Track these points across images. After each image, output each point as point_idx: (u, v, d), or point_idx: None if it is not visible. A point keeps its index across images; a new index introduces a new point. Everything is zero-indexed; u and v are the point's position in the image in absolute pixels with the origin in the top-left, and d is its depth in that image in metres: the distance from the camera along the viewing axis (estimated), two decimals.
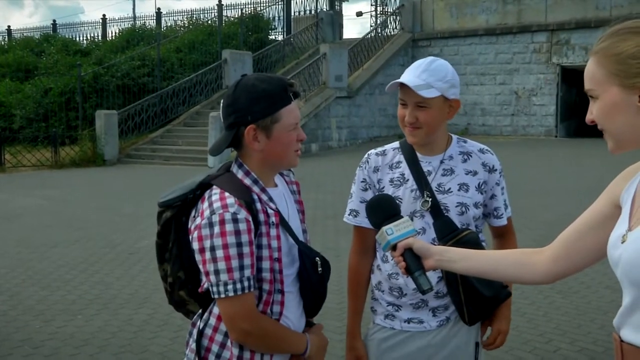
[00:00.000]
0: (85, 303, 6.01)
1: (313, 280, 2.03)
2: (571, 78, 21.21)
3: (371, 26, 24.93)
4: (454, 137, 2.43)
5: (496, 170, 2.38)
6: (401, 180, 2.34)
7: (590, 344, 4.82)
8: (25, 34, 31.28)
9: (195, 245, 1.90)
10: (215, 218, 1.85)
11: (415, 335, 2.35)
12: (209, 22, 26.12)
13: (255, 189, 1.98)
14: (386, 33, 23.84)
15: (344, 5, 27.58)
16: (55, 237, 8.94)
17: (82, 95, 20.19)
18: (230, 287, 1.85)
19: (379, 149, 2.46)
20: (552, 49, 21.34)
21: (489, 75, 22.38)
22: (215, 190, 1.93)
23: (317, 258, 2.05)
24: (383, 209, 1.93)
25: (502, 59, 22.16)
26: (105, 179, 15.95)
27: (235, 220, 1.85)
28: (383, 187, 2.37)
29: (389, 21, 24.40)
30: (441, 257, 1.81)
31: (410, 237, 1.84)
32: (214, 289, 1.87)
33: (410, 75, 2.25)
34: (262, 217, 1.94)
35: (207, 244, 1.86)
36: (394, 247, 1.84)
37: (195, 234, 1.90)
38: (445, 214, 2.29)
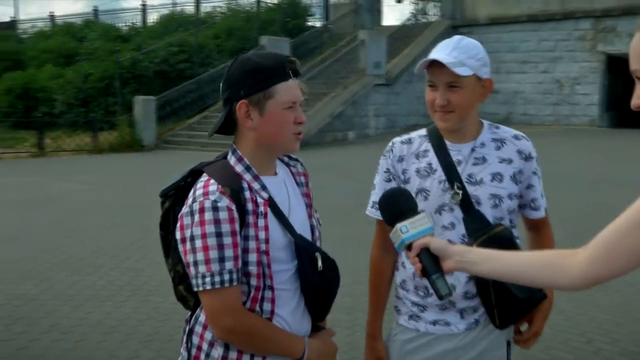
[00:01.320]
0: (115, 289, 5.99)
1: (312, 278, 1.89)
2: (617, 66, 20.59)
3: (411, 12, 24.60)
4: (486, 123, 2.24)
5: (532, 157, 2.20)
6: (428, 171, 2.17)
7: (634, 345, 4.60)
8: (67, 20, 31.66)
9: (178, 235, 1.80)
10: (196, 206, 1.76)
11: (440, 337, 2.19)
12: (248, 8, 26.09)
13: (247, 176, 1.85)
14: (426, 20, 23.50)
15: None
16: (89, 222, 8.98)
17: (120, 81, 20.34)
18: (207, 279, 1.74)
19: (405, 137, 2.29)
20: (597, 36, 20.79)
21: (531, 64, 21.92)
22: (203, 177, 1.84)
23: (318, 254, 1.90)
24: (397, 204, 1.76)
25: (544, 47, 21.68)
26: (142, 164, 16.03)
27: (215, 209, 1.74)
28: (409, 178, 2.20)
29: (428, 8, 24.05)
30: (462, 259, 1.63)
31: (428, 235, 1.68)
32: (194, 281, 1.77)
33: (441, 53, 2.06)
34: (250, 206, 1.81)
35: (187, 233, 1.76)
36: (409, 247, 1.68)
37: (178, 224, 1.80)
38: (477, 208, 2.12)
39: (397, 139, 2.29)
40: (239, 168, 1.86)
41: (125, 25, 28.91)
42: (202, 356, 1.88)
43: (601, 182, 11.41)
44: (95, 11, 31.74)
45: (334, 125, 18.95)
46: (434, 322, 2.19)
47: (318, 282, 1.90)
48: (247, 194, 1.82)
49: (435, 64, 2.05)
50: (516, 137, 2.21)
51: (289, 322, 1.90)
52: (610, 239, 1.46)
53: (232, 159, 1.88)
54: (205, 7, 28.39)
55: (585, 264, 1.49)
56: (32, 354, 4.60)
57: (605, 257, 1.46)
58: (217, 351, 1.85)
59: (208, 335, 1.89)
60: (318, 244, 2.02)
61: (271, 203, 1.86)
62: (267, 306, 1.85)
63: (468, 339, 2.17)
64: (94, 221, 9.03)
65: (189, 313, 2.00)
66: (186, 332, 1.97)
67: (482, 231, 2.08)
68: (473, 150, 2.16)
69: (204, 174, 1.85)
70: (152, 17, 28.89)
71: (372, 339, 2.34)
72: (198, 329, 1.91)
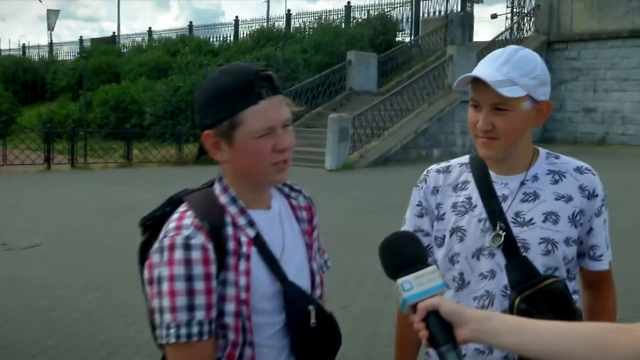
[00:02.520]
0: None
1: (303, 335, 1.58)
2: None
3: (505, 28, 23.85)
4: (542, 151, 1.89)
5: (597, 196, 1.81)
6: (467, 207, 1.83)
7: None
8: (163, 35, 32.67)
9: (146, 275, 1.52)
10: (166, 242, 1.49)
11: None
12: (336, 22, 26.10)
13: (232, 209, 1.58)
14: (520, 35, 22.71)
15: (478, 7, 26.75)
16: None
17: None
18: (172, 331, 1.45)
19: (442, 165, 1.96)
20: None
21: (632, 81, 20.66)
22: (182, 207, 1.57)
23: (311, 307, 1.59)
24: (400, 254, 1.39)
25: None
26: None
27: (187, 247, 1.47)
28: (443, 214, 1.87)
29: (523, 23, 23.27)
30: (480, 327, 1.26)
31: (437, 294, 1.33)
32: (157, 332, 1.49)
33: (488, 68, 1.72)
34: (231, 245, 1.53)
35: (155, 273, 1.49)
36: (415, 307, 1.34)
37: (147, 261, 1.53)
38: (524, 254, 1.75)
39: (433, 167, 1.97)
40: (224, 199, 1.60)
41: (217, 41, 29.55)
42: None
43: None
44: (190, 26, 32.58)
45: (418, 142, 18.55)
46: None
47: (310, 341, 1.60)
48: (230, 231, 1.55)
49: (479, 80, 1.70)
50: (579, 170, 1.84)
51: None
52: None
53: (217, 188, 1.62)
54: (296, 23, 28.64)
55: None
56: None
57: None
58: None
59: None
60: (318, 292, 1.72)
61: (257, 243, 1.57)
62: None
63: None
64: None
65: None
66: None
67: (528, 283, 1.71)
68: (523, 183, 1.82)
69: (184, 204, 1.59)
70: (244, 32, 29.36)
71: None
72: None
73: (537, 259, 1.75)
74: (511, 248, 1.75)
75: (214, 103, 1.54)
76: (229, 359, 1.55)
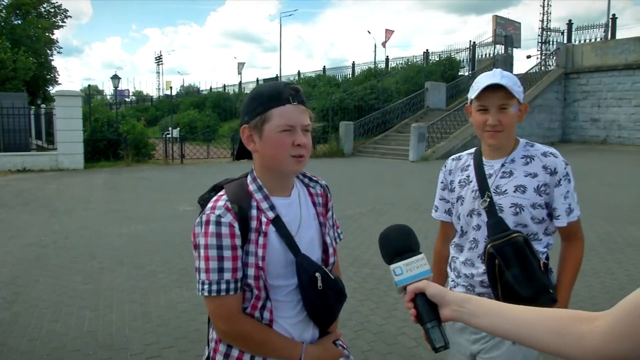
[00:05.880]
0: None
1: (312, 296, 1.37)
2: None
3: (536, 64, 22.81)
4: (522, 141, 1.76)
5: (557, 172, 1.68)
6: (466, 182, 1.79)
7: None
8: (307, 75, 33.62)
9: (192, 241, 1.36)
10: (203, 218, 1.31)
11: None
12: (418, 63, 25.94)
13: (258, 195, 1.36)
14: (545, 69, 21.70)
15: (517, 50, 25.62)
16: None
17: (332, 112, 20.89)
18: (206, 287, 1.30)
19: (457, 155, 1.89)
20: None
21: (625, 100, 19.26)
22: (221, 192, 1.38)
23: (318, 274, 1.37)
24: (393, 242, 1.12)
25: (637, 87, 18.91)
26: (343, 166, 16.01)
27: (218, 223, 1.29)
28: (454, 188, 1.83)
29: (548, 60, 22.15)
30: (459, 308, 1.00)
31: (424, 279, 1.07)
32: (197, 285, 1.32)
33: (495, 80, 1.64)
34: (254, 224, 1.32)
35: (196, 241, 1.33)
36: (405, 289, 1.08)
37: (192, 231, 1.36)
38: (499, 214, 1.68)
39: (451, 157, 1.91)
40: (252, 187, 1.37)
41: (341, 77, 30.12)
42: (218, 349, 1.41)
43: None
44: (324, 69, 33.34)
45: (473, 142, 18.07)
46: None
47: (317, 300, 1.38)
48: (254, 213, 1.33)
49: (487, 90, 1.64)
50: (544, 154, 1.71)
51: (289, 330, 1.40)
52: (638, 312, 0.77)
53: (248, 178, 1.40)
54: (392, 63, 28.72)
55: (602, 337, 0.82)
56: None
57: (631, 335, 0.77)
58: (222, 347, 1.40)
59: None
60: (331, 259, 1.46)
61: (276, 223, 1.35)
62: (266, 314, 1.37)
63: None
64: None
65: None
66: (209, 325, 1.49)
67: (500, 235, 1.65)
68: (503, 165, 1.73)
69: (223, 190, 1.39)
70: (358, 71, 29.76)
71: None
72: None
73: (509, 218, 1.67)
74: (491, 210, 1.68)
75: (252, 104, 1.34)
76: (253, 308, 1.35)
